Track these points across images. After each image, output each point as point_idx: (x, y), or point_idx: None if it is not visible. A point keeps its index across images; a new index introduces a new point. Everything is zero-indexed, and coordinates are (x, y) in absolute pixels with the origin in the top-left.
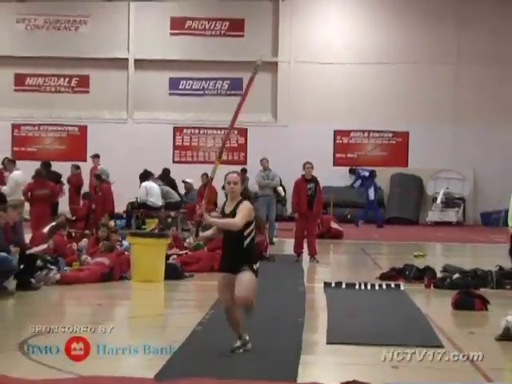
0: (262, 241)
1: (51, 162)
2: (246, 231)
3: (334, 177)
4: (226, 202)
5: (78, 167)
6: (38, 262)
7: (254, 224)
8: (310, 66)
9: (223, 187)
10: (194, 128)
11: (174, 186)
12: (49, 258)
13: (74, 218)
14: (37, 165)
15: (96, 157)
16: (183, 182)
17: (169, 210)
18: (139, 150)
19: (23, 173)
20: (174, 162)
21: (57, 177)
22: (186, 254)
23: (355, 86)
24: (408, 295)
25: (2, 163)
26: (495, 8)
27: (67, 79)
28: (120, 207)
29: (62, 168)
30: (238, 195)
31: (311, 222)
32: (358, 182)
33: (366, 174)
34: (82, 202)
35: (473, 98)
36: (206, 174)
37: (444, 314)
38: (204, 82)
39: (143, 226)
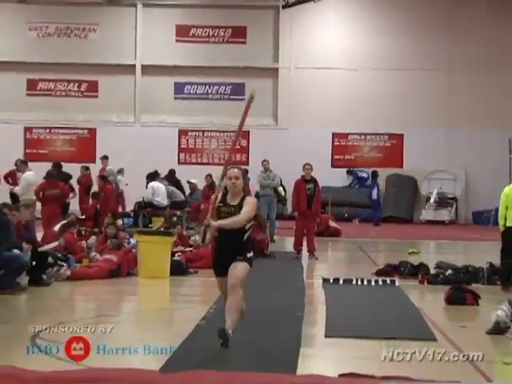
0: (264, 238)
1: (62, 164)
2: (247, 225)
3: (332, 177)
4: (226, 195)
5: (87, 168)
6: (49, 259)
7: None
8: (309, 72)
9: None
10: (198, 131)
11: (179, 187)
12: (59, 255)
13: (83, 216)
14: (48, 166)
15: (105, 158)
16: (188, 182)
17: (174, 209)
18: (146, 152)
19: (35, 173)
20: (179, 163)
21: (67, 178)
22: (191, 251)
23: (352, 90)
24: (403, 290)
25: (15, 164)
26: (485, 17)
27: (77, 84)
28: (128, 207)
29: (72, 169)
30: (240, 190)
31: (310, 220)
32: (355, 182)
33: (364, 174)
34: (90, 202)
35: (465, 103)
36: (210, 175)
37: (437, 308)
38: (208, 86)
39: (150, 225)
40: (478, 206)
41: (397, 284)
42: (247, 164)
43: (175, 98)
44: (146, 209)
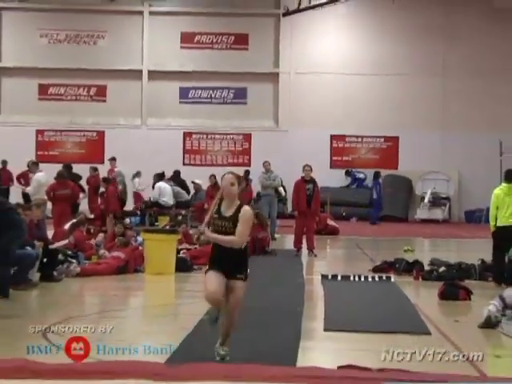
0: (265, 236)
1: (72, 165)
2: (243, 244)
3: (330, 178)
4: (221, 202)
5: (96, 169)
6: (60, 256)
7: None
8: (308, 77)
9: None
10: (202, 133)
11: (184, 187)
12: (69, 252)
13: (92, 215)
14: (59, 167)
15: (113, 160)
16: (192, 182)
17: (179, 209)
18: (152, 154)
19: (46, 174)
20: (184, 164)
21: (77, 178)
22: (195, 248)
23: (350, 94)
24: (398, 286)
25: (27, 166)
26: (480, 25)
27: (86, 89)
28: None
29: (82, 170)
30: (235, 197)
31: (310, 219)
32: (353, 182)
33: (361, 175)
34: (99, 201)
35: (458, 107)
36: (213, 175)
37: (431, 303)
38: (211, 91)
39: (156, 223)
40: (471, 206)
41: (392, 280)
42: (249, 165)
43: (180, 102)
44: (153, 208)
